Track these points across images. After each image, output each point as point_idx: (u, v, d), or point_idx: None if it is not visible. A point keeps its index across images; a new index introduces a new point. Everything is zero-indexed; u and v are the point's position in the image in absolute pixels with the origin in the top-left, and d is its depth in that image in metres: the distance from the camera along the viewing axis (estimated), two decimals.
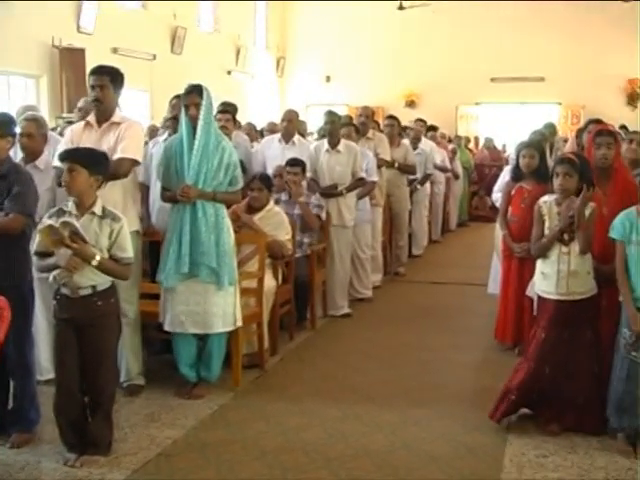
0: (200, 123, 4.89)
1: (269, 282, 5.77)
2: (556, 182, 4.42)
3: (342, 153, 7.12)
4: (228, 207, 5.27)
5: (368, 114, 8.32)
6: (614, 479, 3.95)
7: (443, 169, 11.91)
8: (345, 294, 7.32)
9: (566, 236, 4.36)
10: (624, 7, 17.60)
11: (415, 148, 9.92)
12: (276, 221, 6.03)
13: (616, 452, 4.21)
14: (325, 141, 7.22)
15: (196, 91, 4.97)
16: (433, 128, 12.66)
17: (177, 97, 5.98)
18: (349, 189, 7.14)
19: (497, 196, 6.47)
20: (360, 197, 7.40)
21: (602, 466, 4.08)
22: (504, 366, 5.15)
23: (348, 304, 7.35)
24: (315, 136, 9.47)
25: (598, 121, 5.91)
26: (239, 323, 5.12)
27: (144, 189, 5.70)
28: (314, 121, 12.41)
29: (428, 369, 5.70)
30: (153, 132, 8.23)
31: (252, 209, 6.04)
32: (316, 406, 4.89)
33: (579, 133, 6.60)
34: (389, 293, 8.34)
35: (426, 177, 10.31)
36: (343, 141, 7.19)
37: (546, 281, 4.44)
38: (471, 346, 6.28)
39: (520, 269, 5.66)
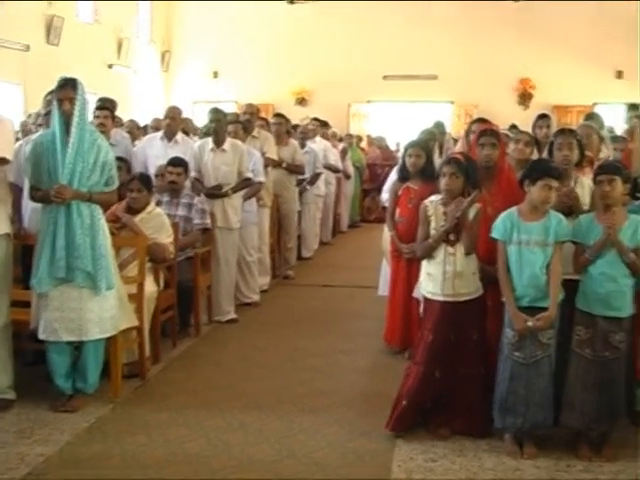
0: (74, 119, 4.63)
1: (150, 287, 5.53)
2: (442, 182, 4.39)
3: (228, 152, 6.92)
4: (105, 209, 5.03)
5: (253, 111, 8.15)
6: None
7: (334, 169, 11.85)
8: (231, 299, 7.12)
9: (452, 237, 4.33)
10: (515, 7, 18.07)
11: (303, 147, 9.79)
12: (157, 223, 5.80)
13: (504, 453, 4.21)
14: (210, 140, 7.01)
15: (70, 85, 4.70)
16: (325, 124, 12.65)
17: (52, 92, 5.67)
18: (235, 190, 6.95)
19: (386, 196, 6.42)
20: (246, 198, 7.22)
21: (490, 468, 4.08)
22: (393, 370, 5.12)
23: (234, 309, 7.15)
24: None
25: (483, 120, 5.93)
26: (115, 330, 4.88)
27: (16, 190, 5.39)
28: (201, 118, 12.15)
29: (317, 375, 5.58)
30: (26, 129, 7.85)
31: (132, 211, 5.80)
32: (200, 416, 4.72)
33: (467, 133, 6.63)
34: (277, 297, 8.19)
35: (315, 177, 10.22)
36: (229, 140, 7.00)
37: (432, 282, 4.40)
38: (361, 350, 6.20)
39: (408, 270, 5.62)
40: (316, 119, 11.62)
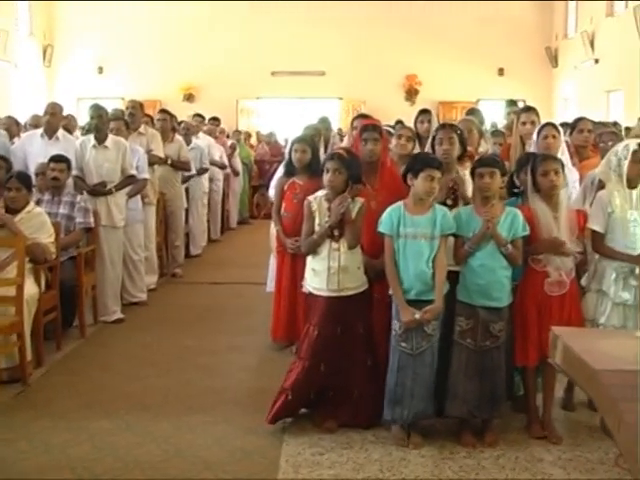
0: None
1: (31, 289, 5.36)
2: (325, 178, 4.41)
3: (110, 149, 6.79)
4: None
5: (136, 106, 8.01)
6: (388, 471, 4.01)
7: (221, 165, 11.77)
8: (117, 298, 6.98)
9: (336, 232, 4.36)
10: (400, 4, 18.34)
11: (189, 143, 9.67)
12: (37, 223, 5.64)
13: (391, 444, 4.28)
14: (92, 137, 6.86)
15: None
16: (215, 119, 12.54)
17: None
18: (118, 187, 6.82)
19: (273, 192, 6.40)
20: (131, 195, 7.10)
21: (377, 459, 4.14)
22: (280, 366, 5.11)
23: (121, 309, 7.02)
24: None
25: (365, 116, 6.00)
26: None
27: None
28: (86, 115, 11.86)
29: (205, 373, 5.54)
30: None
31: (10, 210, 5.60)
32: (85, 419, 4.61)
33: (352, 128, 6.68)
34: (165, 296, 8.07)
35: (202, 170, 10.11)
36: (111, 137, 6.87)
37: (317, 277, 4.42)
38: (249, 347, 6.18)
39: (293, 265, 5.60)
40: (198, 115, 11.48)
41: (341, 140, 9.16)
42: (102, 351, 6.09)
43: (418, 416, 4.30)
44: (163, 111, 9.09)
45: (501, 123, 9.49)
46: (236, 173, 13.31)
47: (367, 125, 4.86)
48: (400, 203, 4.31)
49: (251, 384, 5.33)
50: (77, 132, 9.01)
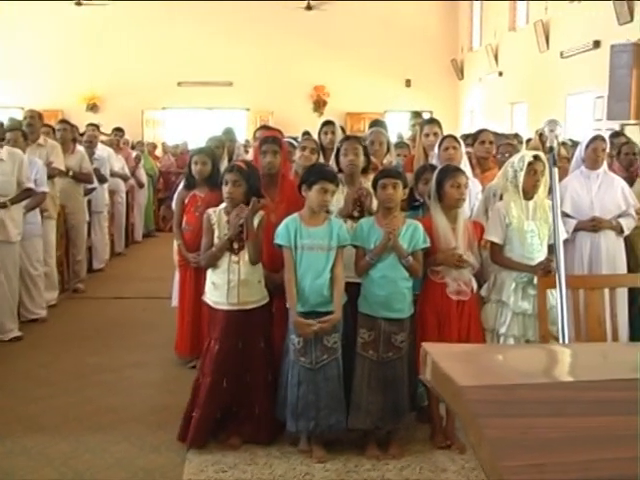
0: None
1: None
2: (224, 190, 4.36)
3: (5, 161, 6.52)
4: None
5: (34, 116, 7.76)
6: None
7: (123, 177, 11.52)
8: (14, 316, 6.71)
9: (236, 245, 4.30)
10: (309, 15, 18.43)
11: (92, 154, 9.41)
12: None
13: (295, 458, 4.24)
14: None
15: None
16: (119, 129, 12.38)
17: None
18: (14, 201, 6.55)
19: None
20: (29, 209, 6.85)
21: (281, 474, 4.10)
22: (184, 381, 5.04)
23: (19, 326, 6.75)
24: None
25: (267, 128, 5.97)
26: None
27: None
28: None
29: (107, 391, 5.39)
30: None
31: None
32: None
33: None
34: (67, 312, 7.81)
35: (101, 179, 9.78)
36: (7, 148, 6.60)
37: (217, 291, 4.35)
38: (152, 363, 6.05)
39: (196, 279, 5.47)
40: (92, 124, 11.17)
41: (246, 152, 9.12)
42: None
43: (331, 429, 4.27)
44: (63, 121, 8.83)
45: (407, 134, 9.62)
46: (141, 185, 13.04)
47: (266, 137, 4.82)
48: (296, 215, 4.28)
49: (154, 401, 5.21)
50: None
